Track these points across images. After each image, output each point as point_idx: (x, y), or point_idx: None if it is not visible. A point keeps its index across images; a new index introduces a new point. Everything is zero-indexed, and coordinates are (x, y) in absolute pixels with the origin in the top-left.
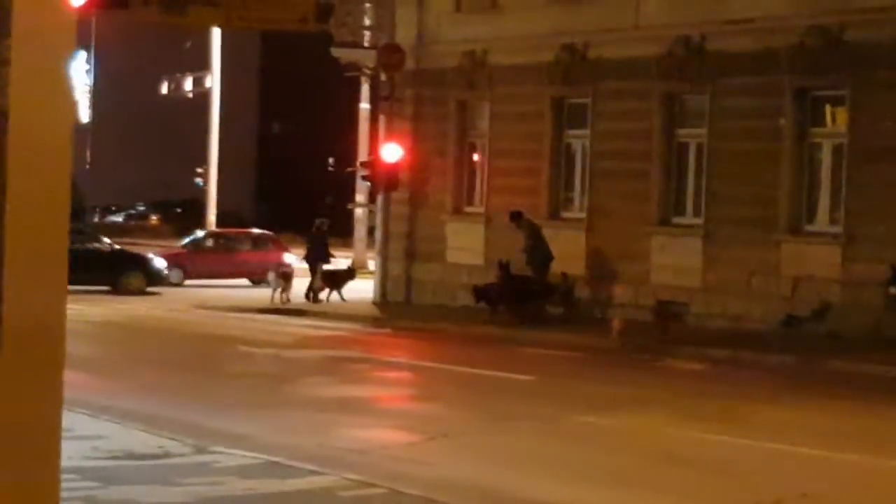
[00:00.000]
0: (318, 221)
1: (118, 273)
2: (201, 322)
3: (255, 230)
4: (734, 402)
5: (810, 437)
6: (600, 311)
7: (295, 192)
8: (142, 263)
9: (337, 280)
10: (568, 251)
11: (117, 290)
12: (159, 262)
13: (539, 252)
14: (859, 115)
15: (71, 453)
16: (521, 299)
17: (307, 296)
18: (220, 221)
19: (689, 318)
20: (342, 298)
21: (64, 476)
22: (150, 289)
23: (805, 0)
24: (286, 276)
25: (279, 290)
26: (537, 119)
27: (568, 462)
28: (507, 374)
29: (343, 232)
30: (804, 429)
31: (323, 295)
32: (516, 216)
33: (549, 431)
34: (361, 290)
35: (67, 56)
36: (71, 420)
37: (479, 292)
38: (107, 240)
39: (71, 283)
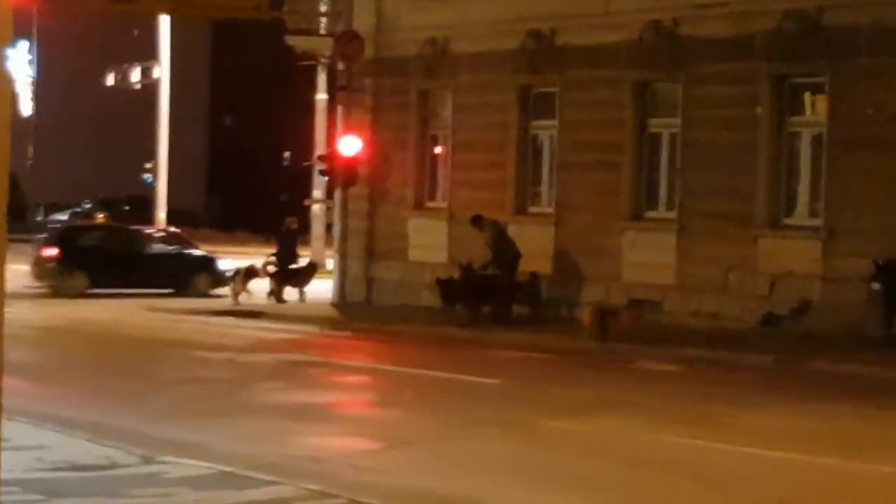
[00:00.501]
0: (287, 220)
1: (187, 275)
2: (151, 325)
3: (163, 228)
4: (710, 405)
5: (788, 440)
6: (568, 310)
7: (249, 188)
8: (209, 265)
9: (300, 278)
10: (535, 248)
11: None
12: (224, 264)
13: (506, 253)
14: (839, 103)
15: (11, 465)
16: (481, 297)
17: (270, 295)
18: (171, 219)
19: (663, 317)
20: (302, 299)
21: (4, 489)
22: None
23: None
24: (250, 274)
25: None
26: (502, 109)
27: (538, 469)
28: (472, 378)
29: (300, 229)
30: (782, 432)
31: (288, 294)
32: (477, 221)
33: (518, 437)
34: (319, 290)
35: (4, 46)
36: (11, 430)
37: (443, 285)
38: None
39: (137, 285)
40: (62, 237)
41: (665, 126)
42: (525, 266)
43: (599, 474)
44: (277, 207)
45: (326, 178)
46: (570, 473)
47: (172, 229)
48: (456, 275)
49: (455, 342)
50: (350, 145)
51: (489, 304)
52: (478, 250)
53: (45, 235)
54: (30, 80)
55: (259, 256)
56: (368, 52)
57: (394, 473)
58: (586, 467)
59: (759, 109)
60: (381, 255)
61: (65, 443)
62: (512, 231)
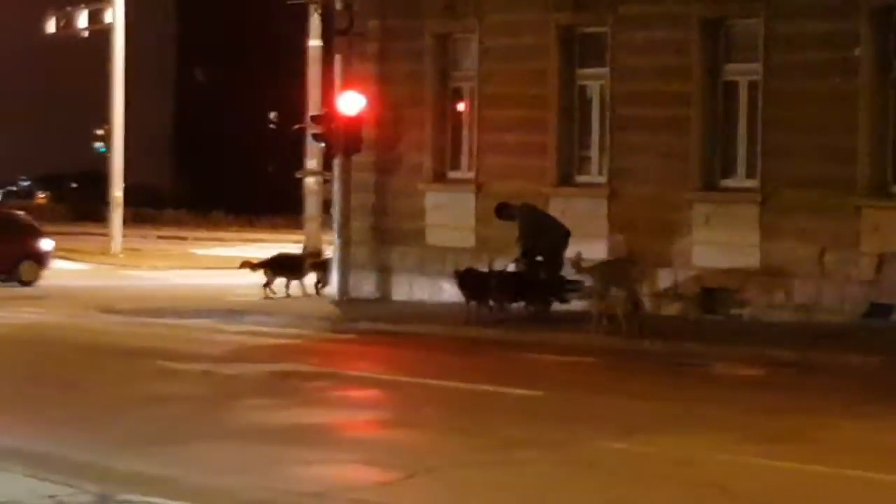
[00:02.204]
0: None
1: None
2: (107, 330)
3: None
4: (803, 418)
5: None
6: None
7: (226, 159)
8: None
9: (292, 267)
10: (584, 227)
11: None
12: (47, 244)
13: (547, 239)
14: None
15: None
16: (510, 293)
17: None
18: (131, 199)
19: (744, 309)
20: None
21: None
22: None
23: None
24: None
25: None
26: (540, 55)
27: (592, 501)
28: (507, 389)
29: (290, 208)
30: (894, 451)
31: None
32: (503, 210)
33: (565, 462)
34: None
35: None
36: None
37: (463, 278)
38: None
39: None
40: None
41: (743, 73)
42: (571, 247)
43: None
44: (263, 182)
45: (323, 145)
46: None
47: (20, 212)
48: (485, 262)
49: (485, 346)
50: (351, 103)
51: (523, 300)
52: (513, 232)
53: None
54: None
55: (241, 245)
56: None
57: None
58: (648, 498)
59: (858, 51)
60: (393, 239)
61: (2, 480)
62: (555, 207)
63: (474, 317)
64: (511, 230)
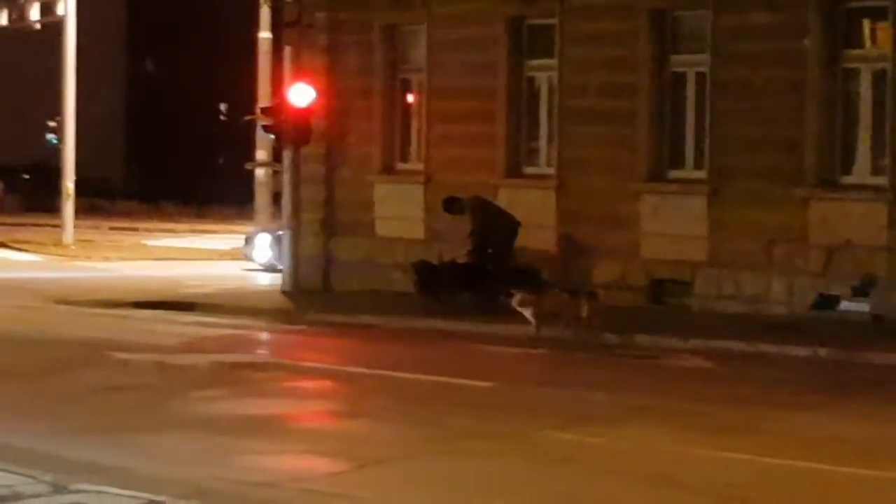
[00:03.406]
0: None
1: None
2: (61, 322)
3: None
4: (752, 410)
5: (852, 452)
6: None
7: (177, 151)
8: None
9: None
10: (532, 218)
11: None
12: None
13: (498, 232)
14: None
15: None
16: (462, 284)
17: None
18: (83, 190)
19: (693, 301)
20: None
21: None
22: None
23: None
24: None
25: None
26: (489, 46)
27: (541, 492)
28: (458, 380)
29: (241, 199)
30: (844, 442)
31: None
32: (452, 205)
33: (515, 452)
34: (265, 274)
35: None
36: None
37: (421, 273)
38: None
39: None
40: None
41: (691, 64)
42: (520, 240)
43: (616, 498)
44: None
45: (272, 136)
46: (580, 497)
47: None
48: (435, 255)
49: (436, 336)
50: (301, 95)
51: (471, 291)
52: (464, 226)
53: None
54: None
55: (192, 236)
56: None
57: (364, 500)
58: (600, 489)
59: (807, 41)
60: (342, 230)
61: None
62: (503, 199)
63: (425, 308)
64: (461, 222)
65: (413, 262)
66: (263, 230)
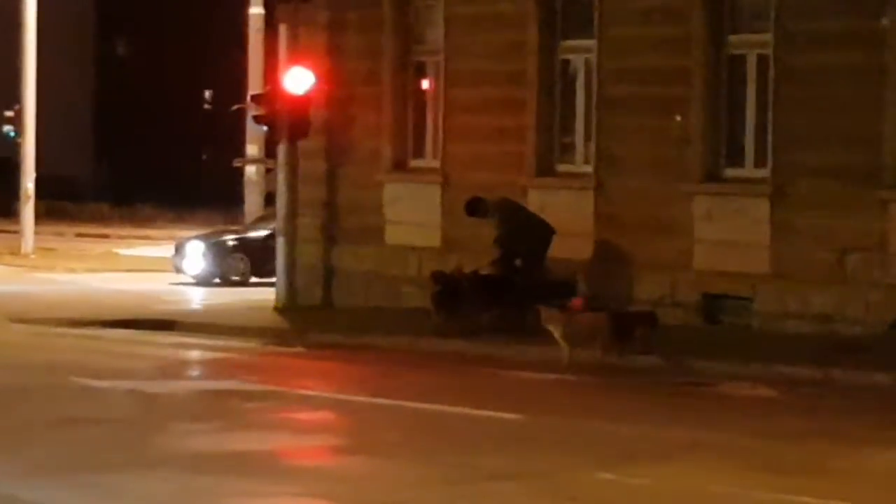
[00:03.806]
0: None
1: None
2: (16, 342)
3: None
4: (821, 446)
5: None
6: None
7: (154, 145)
8: None
9: None
10: (567, 224)
11: None
12: None
13: (529, 238)
14: None
15: None
16: (491, 302)
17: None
18: (45, 190)
19: (753, 320)
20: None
21: None
22: None
23: None
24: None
25: None
26: (517, 24)
27: None
28: (481, 412)
29: (229, 201)
30: None
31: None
32: (475, 206)
33: (547, 495)
34: (256, 289)
35: None
36: None
37: (440, 284)
38: None
39: None
40: None
41: (752, 45)
42: (552, 249)
43: None
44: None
45: (265, 128)
46: None
47: None
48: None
49: (454, 360)
50: (298, 81)
51: (496, 308)
52: (489, 232)
53: None
54: None
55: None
56: None
57: None
58: None
59: (886, 20)
60: (346, 238)
61: None
62: (533, 201)
63: (443, 327)
64: (484, 227)
65: (431, 273)
66: (195, 237)
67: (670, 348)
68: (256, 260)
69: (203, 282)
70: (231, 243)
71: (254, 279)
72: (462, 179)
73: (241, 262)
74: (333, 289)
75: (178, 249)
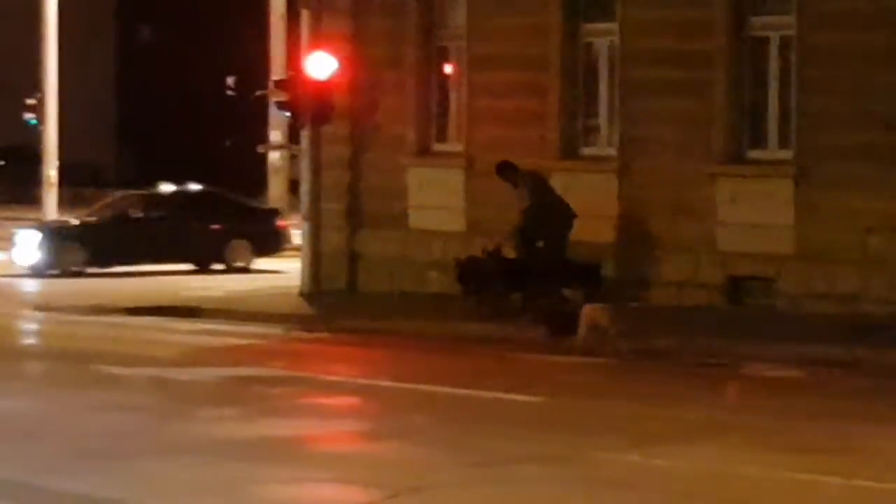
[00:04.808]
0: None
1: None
2: (42, 330)
3: None
4: (847, 426)
5: None
6: (638, 293)
7: (177, 132)
8: None
9: None
10: (591, 207)
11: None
12: None
13: (552, 217)
14: None
15: None
16: (513, 283)
17: None
18: (68, 177)
19: (779, 300)
20: None
21: None
22: None
23: None
24: None
25: None
26: (539, 8)
27: None
28: (503, 395)
29: (252, 188)
30: None
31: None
32: (506, 169)
33: (571, 478)
34: (280, 274)
35: None
36: None
37: (465, 268)
38: None
39: None
40: None
41: (775, 26)
42: (577, 232)
43: None
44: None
45: (288, 114)
46: None
47: None
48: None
49: (477, 344)
50: (321, 66)
51: (521, 291)
52: (512, 215)
53: None
54: None
55: None
56: None
57: None
58: None
59: None
60: (371, 223)
61: None
62: (557, 184)
63: (467, 311)
64: (510, 211)
65: (455, 257)
66: (32, 226)
67: (694, 329)
68: (95, 249)
69: (38, 273)
70: (67, 231)
71: (93, 269)
72: (486, 163)
73: (79, 252)
74: (358, 274)
75: (14, 238)
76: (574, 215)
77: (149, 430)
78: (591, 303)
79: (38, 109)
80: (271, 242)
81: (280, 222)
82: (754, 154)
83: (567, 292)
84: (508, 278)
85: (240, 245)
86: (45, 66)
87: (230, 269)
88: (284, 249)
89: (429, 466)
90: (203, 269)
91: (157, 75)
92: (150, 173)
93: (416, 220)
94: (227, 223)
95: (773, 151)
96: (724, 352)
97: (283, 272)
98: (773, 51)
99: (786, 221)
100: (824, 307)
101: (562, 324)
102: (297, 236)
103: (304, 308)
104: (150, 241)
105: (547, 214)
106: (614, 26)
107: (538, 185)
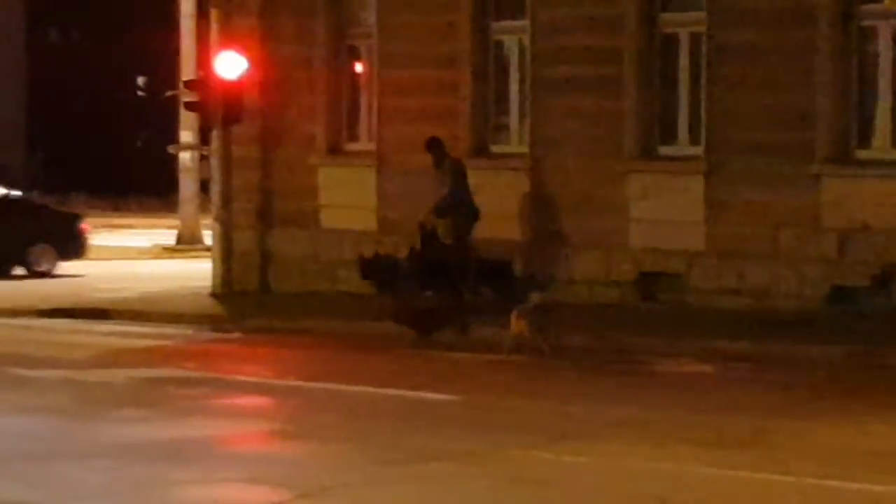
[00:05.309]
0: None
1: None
2: None
3: None
4: (757, 420)
5: (872, 466)
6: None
7: (88, 133)
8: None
9: None
10: (500, 204)
11: None
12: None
13: (462, 214)
14: None
15: None
16: (428, 281)
17: None
18: None
19: (689, 296)
20: None
21: None
22: None
23: None
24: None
25: None
26: (450, 6)
27: None
28: (417, 393)
29: (163, 189)
30: (864, 455)
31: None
32: (434, 146)
33: (484, 475)
34: (192, 275)
35: None
36: None
37: (368, 267)
38: None
39: None
40: None
41: (685, 23)
42: (486, 229)
43: None
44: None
45: (198, 114)
46: None
47: None
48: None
49: (390, 343)
50: (231, 66)
51: (436, 289)
52: (422, 209)
53: None
54: None
55: (106, 232)
56: None
57: None
58: None
59: None
60: (282, 222)
61: None
62: (469, 182)
63: (390, 309)
64: (419, 209)
65: (361, 256)
66: None
67: (605, 327)
68: None
69: None
70: None
71: None
72: (397, 162)
73: None
74: (269, 274)
75: None
76: (479, 217)
77: (60, 432)
78: (500, 301)
79: None
80: (75, 246)
81: (82, 225)
82: (665, 150)
83: (485, 290)
84: (419, 276)
85: (42, 249)
86: None
87: (32, 274)
88: (88, 253)
89: (340, 465)
90: (4, 273)
91: (67, 76)
92: (60, 175)
93: (328, 219)
94: (29, 227)
95: (683, 147)
96: (637, 348)
97: (85, 275)
98: (683, 47)
99: (696, 217)
100: (735, 302)
101: (428, 323)
102: (207, 237)
103: (216, 308)
104: None
105: (459, 207)
106: (525, 24)
107: (459, 176)
